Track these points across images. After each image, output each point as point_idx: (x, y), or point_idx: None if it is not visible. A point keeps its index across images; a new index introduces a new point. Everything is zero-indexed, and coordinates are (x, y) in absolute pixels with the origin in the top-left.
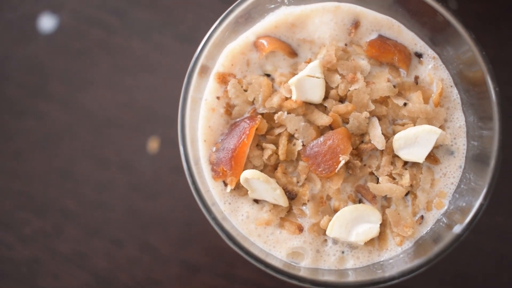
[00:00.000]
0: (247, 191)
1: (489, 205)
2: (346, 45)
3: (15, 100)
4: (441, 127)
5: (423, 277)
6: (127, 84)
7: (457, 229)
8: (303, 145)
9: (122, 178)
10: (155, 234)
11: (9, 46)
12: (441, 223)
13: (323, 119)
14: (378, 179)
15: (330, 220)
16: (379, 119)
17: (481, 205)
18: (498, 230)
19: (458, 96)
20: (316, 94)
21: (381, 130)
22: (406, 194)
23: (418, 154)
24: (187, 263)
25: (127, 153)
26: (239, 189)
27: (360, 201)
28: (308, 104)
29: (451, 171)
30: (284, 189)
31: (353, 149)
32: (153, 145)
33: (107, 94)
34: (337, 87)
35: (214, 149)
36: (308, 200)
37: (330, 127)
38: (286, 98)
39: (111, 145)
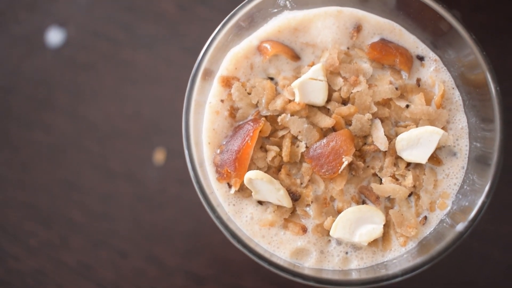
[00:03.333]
0: (251, 192)
1: (496, 214)
2: (348, 48)
3: (23, 112)
4: (443, 128)
5: (429, 285)
6: (133, 96)
7: (460, 227)
8: (307, 147)
9: (127, 190)
10: (161, 246)
11: (17, 60)
12: (444, 224)
13: (326, 121)
14: (381, 180)
15: (333, 221)
16: (382, 121)
17: (483, 203)
18: (506, 239)
19: (460, 98)
20: (319, 96)
21: (384, 131)
22: (409, 195)
23: (420, 155)
24: (192, 274)
25: (132, 165)
26: (243, 191)
27: (363, 202)
28: (311, 107)
29: (454, 172)
30: (288, 191)
31: (356, 150)
32: (159, 156)
33: (113, 106)
34: (339, 89)
35: (218, 151)
36: (311, 201)
37: (333, 129)
38: (290, 101)
39: (117, 157)
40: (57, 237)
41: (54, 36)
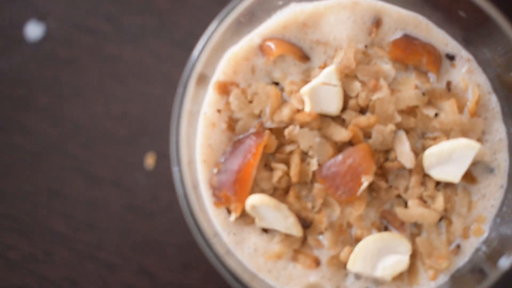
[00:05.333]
0: (255, 218)
1: None
2: (366, 47)
3: None
4: (478, 140)
5: None
6: (120, 95)
7: (504, 263)
8: (319, 165)
9: (115, 197)
10: (152, 258)
11: None
12: (480, 253)
13: (341, 134)
14: (406, 202)
15: (351, 251)
16: (407, 133)
17: None
18: None
19: (498, 104)
20: (332, 104)
21: (409, 145)
22: (440, 220)
23: (453, 173)
24: None
25: (120, 170)
26: (245, 217)
27: (386, 229)
28: (323, 117)
29: (491, 192)
30: (297, 216)
31: (377, 168)
32: (149, 160)
33: (98, 106)
34: (357, 96)
35: (215, 170)
36: (325, 229)
37: (350, 143)
38: (298, 110)
39: (104, 161)
40: (39, 250)
41: (33, 30)
